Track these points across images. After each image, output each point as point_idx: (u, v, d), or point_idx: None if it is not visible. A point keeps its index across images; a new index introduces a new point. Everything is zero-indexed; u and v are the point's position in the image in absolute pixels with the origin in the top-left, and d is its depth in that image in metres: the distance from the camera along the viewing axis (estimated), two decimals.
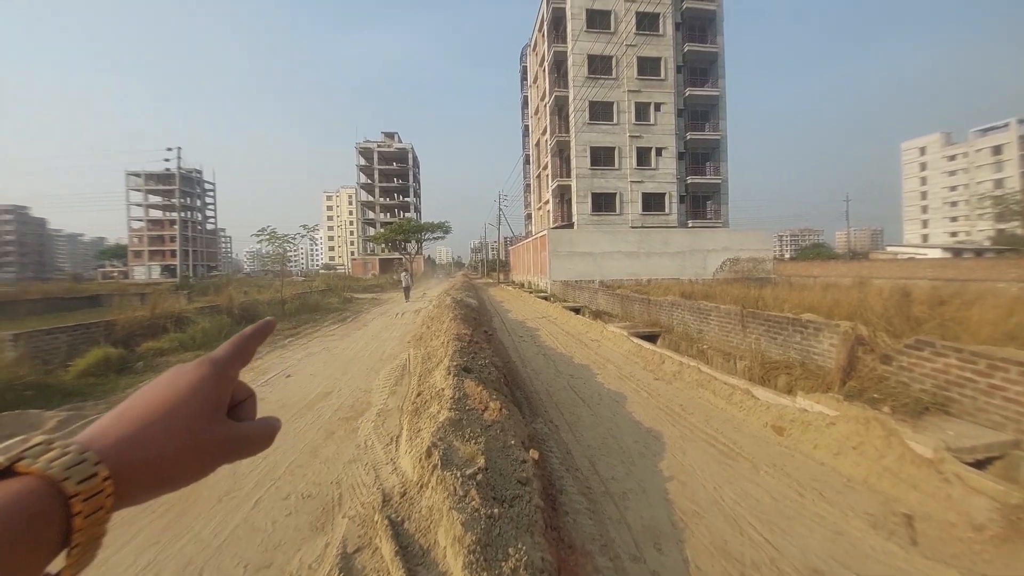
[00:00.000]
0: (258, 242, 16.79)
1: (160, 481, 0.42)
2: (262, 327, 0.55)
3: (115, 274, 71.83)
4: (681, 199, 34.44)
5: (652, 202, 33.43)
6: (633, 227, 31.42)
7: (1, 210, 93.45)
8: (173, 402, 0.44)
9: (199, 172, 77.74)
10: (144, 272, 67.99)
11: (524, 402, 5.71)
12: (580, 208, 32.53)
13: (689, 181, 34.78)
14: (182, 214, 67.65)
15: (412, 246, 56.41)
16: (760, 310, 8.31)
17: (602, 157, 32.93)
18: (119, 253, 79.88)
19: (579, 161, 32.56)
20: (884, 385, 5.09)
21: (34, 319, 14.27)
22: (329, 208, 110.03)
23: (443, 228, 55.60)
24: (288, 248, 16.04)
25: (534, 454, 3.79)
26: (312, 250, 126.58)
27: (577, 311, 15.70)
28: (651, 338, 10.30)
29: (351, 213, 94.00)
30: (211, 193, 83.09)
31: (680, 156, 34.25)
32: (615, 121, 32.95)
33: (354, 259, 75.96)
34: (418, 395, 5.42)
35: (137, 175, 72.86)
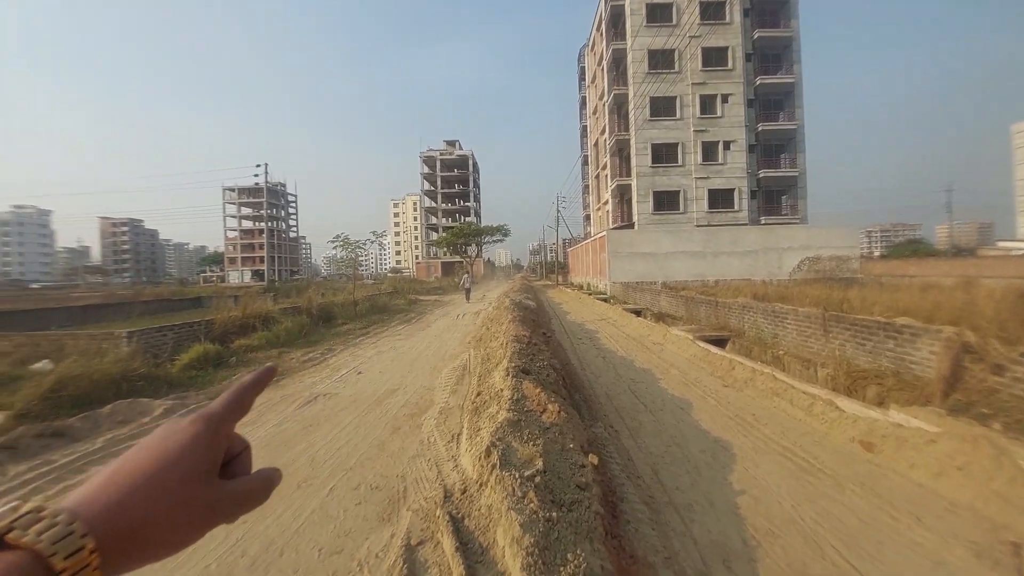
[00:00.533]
0: (333, 248, 18.03)
1: (148, 550, 0.40)
2: (262, 376, 0.53)
3: (214, 278, 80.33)
4: (752, 194, 32.28)
5: (720, 199, 31.66)
6: (699, 226, 29.94)
7: (119, 223, 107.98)
8: (162, 464, 0.42)
9: (283, 185, 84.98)
10: (237, 276, 75.51)
11: (583, 405, 5.63)
12: (641, 207, 31.56)
13: (761, 175, 32.54)
14: (269, 224, 74.30)
15: (472, 249, 57.66)
16: (845, 313, 7.58)
17: (664, 154, 31.73)
18: (217, 260, 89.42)
19: (640, 159, 31.62)
20: (995, 399, 4.46)
21: (146, 319, 16.36)
22: (396, 215, 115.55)
23: (502, 231, 56.40)
24: (359, 253, 17.10)
25: (593, 459, 3.72)
26: (380, 254, 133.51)
27: (638, 313, 15.22)
28: (719, 343, 9.75)
29: (415, 219, 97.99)
30: (293, 204, 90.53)
31: (751, 149, 32.15)
32: (678, 116, 31.62)
33: (418, 263, 79.10)
34: (478, 395, 5.52)
35: (232, 189, 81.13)
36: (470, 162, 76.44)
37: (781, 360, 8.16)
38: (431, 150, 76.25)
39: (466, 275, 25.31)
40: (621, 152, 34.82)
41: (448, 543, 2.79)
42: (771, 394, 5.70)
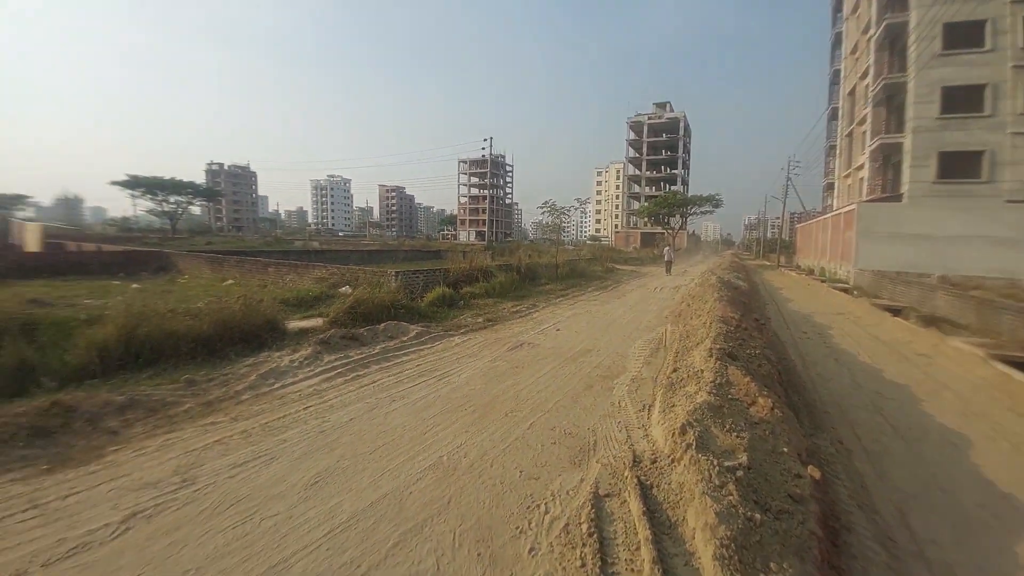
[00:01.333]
0: (541, 213, 19.37)
1: None
2: None
3: (449, 236, 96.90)
4: None
5: None
6: (1010, 201, 20.87)
7: (390, 190, 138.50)
8: None
9: (502, 156, 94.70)
10: (465, 236, 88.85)
11: (803, 410, 4.86)
12: (916, 173, 23.64)
13: None
14: (490, 191, 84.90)
15: (676, 220, 53.92)
16: None
17: (960, 100, 22.60)
18: (451, 221, 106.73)
19: (920, 109, 23.36)
20: None
21: (405, 264, 20.95)
22: (598, 184, 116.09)
23: (712, 201, 50.67)
24: (564, 219, 17.91)
25: (814, 472, 3.22)
26: (581, 222, 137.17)
27: (896, 312, 11.90)
28: None
29: (618, 187, 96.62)
30: (510, 173, 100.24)
31: None
32: (986, 46, 21.85)
33: (617, 232, 78.36)
34: (674, 371, 5.33)
35: (464, 162, 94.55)
36: (680, 125, 69.91)
37: None
38: (639, 115, 72.46)
39: (668, 247, 23.88)
40: (890, 100, 26.37)
41: (635, 505, 2.87)
42: None
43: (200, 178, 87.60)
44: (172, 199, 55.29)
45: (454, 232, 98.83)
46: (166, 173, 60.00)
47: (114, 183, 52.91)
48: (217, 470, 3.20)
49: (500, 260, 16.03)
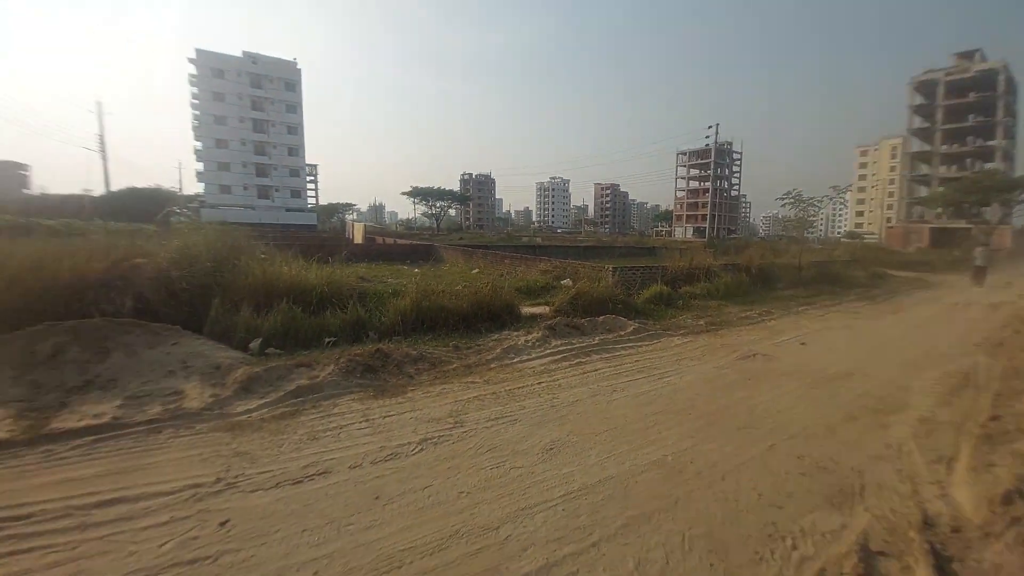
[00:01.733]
0: (782, 205, 16.54)
1: None
2: None
3: (663, 232, 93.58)
4: None
5: None
6: None
7: (605, 187, 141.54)
8: None
9: (729, 144, 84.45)
10: (681, 232, 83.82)
11: None
12: None
13: None
14: (712, 183, 77.26)
15: (992, 211, 38.31)
16: None
17: None
18: (667, 217, 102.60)
19: None
20: None
21: (620, 260, 21.19)
22: (862, 166, 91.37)
23: None
24: (813, 212, 14.85)
25: None
26: (835, 216, 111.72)
27: None
28: None
29: (892, 170, 74.54)
30: (737, 162, 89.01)
31: None
32: None
33: (891, 227, 60.66)
34: (993, 419, 3.98)
35: (684, 153, 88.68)
36: (1000, 79, 47.95)
37: None
38: (929, 71, 53.04)
39: (980, 248, 17.12)
40: None
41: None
42: None
43: (455, 185, 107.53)
44: (438, 204, 71.03)
45: (669, 228, 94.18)
46: (434, 183, 76.83)
47: (403, 193, 72.26)
48: (477, 420, 3.96)
49: (724, 259, 14.45)
